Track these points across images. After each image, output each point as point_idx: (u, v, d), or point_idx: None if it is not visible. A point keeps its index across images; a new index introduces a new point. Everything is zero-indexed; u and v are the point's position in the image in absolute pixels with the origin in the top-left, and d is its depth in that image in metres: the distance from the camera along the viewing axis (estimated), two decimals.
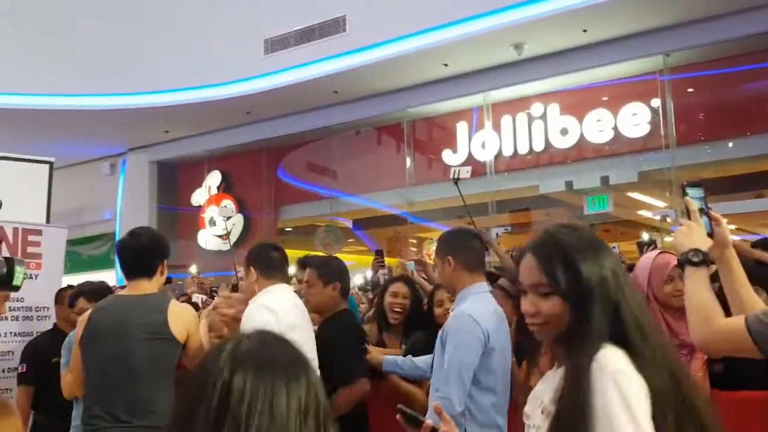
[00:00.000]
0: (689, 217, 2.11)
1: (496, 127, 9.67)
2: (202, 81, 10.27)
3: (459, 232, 3.33)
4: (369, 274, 8.31)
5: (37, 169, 5.53)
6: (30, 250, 5.01)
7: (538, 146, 9.34)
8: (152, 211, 12.90)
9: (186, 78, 10.32)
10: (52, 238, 5.14)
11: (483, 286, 3.07)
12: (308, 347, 3.21)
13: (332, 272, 3.79)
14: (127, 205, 12.98)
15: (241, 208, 12.22)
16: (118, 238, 12.76)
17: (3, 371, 4.72)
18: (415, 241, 11.33)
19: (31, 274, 5.02)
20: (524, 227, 10.84)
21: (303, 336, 3.19)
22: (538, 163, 9.53)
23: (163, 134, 12.14)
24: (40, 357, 4.27)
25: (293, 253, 11.91)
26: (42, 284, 5.00)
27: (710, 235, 2.10)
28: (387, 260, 7.12)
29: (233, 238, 12.08)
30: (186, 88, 10.39)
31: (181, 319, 3.25)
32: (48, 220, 5.50)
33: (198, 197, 12.70)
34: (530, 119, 9.41)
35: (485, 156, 9.74)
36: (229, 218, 11.82)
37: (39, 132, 11.14)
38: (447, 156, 10.09)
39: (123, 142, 12.67)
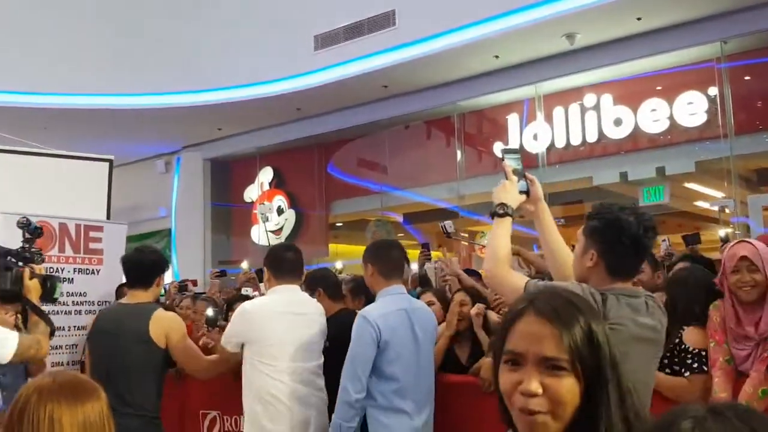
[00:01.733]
0: (507, 178, 2.49)
1: (548, 118, 9.55)
2: (253, 79, 10.39)
3: (380, 244, 3.86)
4: (415, 267, 8.33)
5: (98, 167, 5.67)
6: (92, 246, 5.14)
7: (592, 137, 9.20)
8: (206, 208, 13.14)
9: (237, 76, 10.46)
10: (113, 235, 5.27)
11: (396, 289, 3.59)
12: (292, 343, 3.68)
13: (310, 282, 4.30)
14: (182, 202, 13.23)
15: (293, 203, 12.35)
16: (174, 234, 13.07)
17: (69, 363, 4.87)
18: (466, 235, 11.28)
19: (93, 270, 5.17)
20: (578, 219, 10.70)
21: (280, 339, 3.65)
22: (591, 154, 9.39)
23: (216, 132, 12.33)
24: None
25: (345, 248, 12.05)
26: (103, 279, 5.14)
27: (527, 192, 2.52)
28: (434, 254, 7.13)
29: (285, 232, 12.24)
30: (237, 86, 10.52)
31: (161, 326, 3.80)
32: (108, 217, 5.64)
33: (251, 193, 12.87)
34: (583, 110, 9.27)
35: (537, 148, 9.63)
36: (267, 219, 11.86)
37: (97, 131, 11.42)
38: (498, 148, 10.02)
39: (177, 140, 12.90)
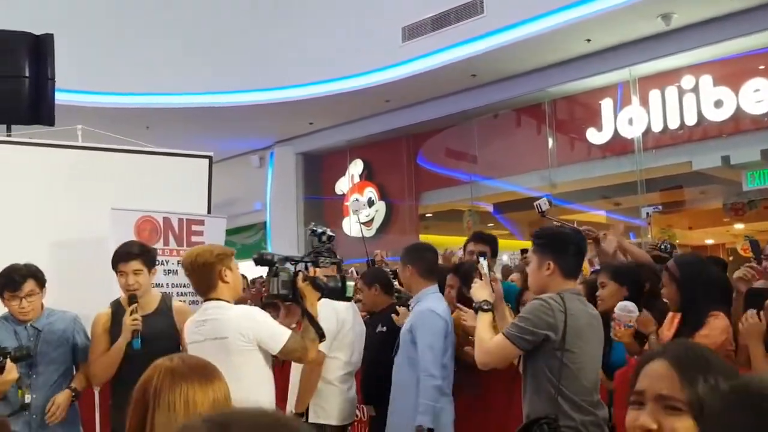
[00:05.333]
0: (481, 278, 3.15)
1: (644, 102, 9.27)
2: (342, 73, 10.51)
3: (416, 246, 4.23)
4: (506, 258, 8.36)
5: (198, 163, 5.86)
6: (194, 239, 5.33)
7: (690, 120, 8.87)
8: (299, 201, 13.40)
9: (327, 71, 10.60)
10: (213, 228, 5.44)
11: (434, 289, 3.95)
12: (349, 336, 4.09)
13: (369, 278, 4.71)
14: (276, 195, 13.55)
15: (382, 195, 12.44)
16: (269, 228, 13.40)
17: None
18: (558, 224, 11.09)
19: None
20: (677, 206, 10.37)
21: (345, 333, 4.06)
22: (690, 138, 9.05)
23: (307, 126, 12.55)
24: None
25: (435, 239, 12.10)
26: None
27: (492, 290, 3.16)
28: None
29: (376, 224, 12.36)
30: (327, 81, 10.68)
31: None
32: (209, 211, 5.83)
33: (341, 186, 13.05)
34: (681, 92, 8.95)
35: (632, 133, 9.36)
36: (365, 209, 11.98)
37: (196, 129, 11.82)
38: (591, 134, 9.80)
39: (270, 135, 13.22)
